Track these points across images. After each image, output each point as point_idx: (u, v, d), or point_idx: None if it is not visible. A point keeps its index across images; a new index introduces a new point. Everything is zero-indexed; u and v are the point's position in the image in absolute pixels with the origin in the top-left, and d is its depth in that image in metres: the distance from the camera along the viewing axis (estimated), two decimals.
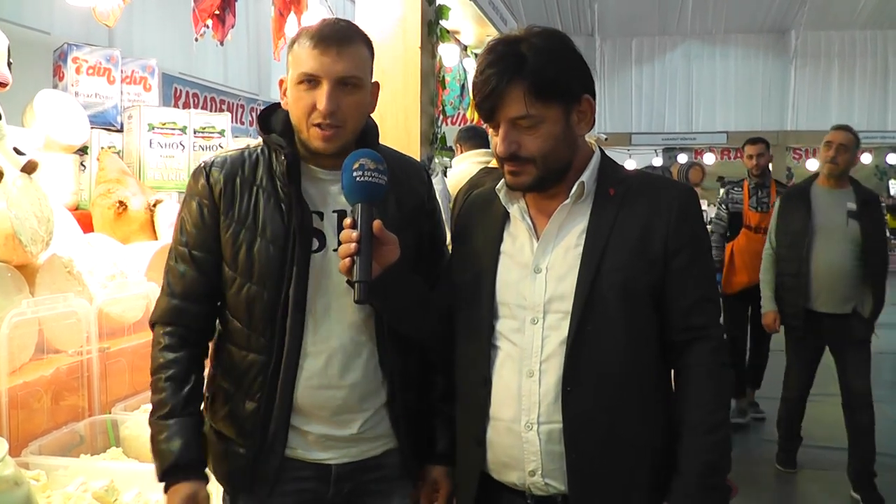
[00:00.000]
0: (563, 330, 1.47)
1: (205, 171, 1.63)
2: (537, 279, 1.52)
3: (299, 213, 1.56)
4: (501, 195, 1.59)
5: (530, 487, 1.51)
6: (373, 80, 1.64)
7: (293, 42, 1.59)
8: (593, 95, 1.53)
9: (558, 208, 1.53)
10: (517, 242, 1.57)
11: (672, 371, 1.55)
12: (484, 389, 1.54)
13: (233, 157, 1.65)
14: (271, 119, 1.67)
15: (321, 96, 1.53)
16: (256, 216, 1.58)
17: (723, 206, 5.49)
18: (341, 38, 1.55)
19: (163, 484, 1.55)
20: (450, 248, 1.79)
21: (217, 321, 1.67)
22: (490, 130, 1.55)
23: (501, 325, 1.55)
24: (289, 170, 1.58)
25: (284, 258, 1.56)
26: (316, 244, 1.59)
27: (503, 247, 1.59)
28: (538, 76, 1.44)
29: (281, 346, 1.56)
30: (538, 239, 1.54)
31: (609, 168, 1.58)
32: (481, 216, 1.66)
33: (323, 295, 1.59)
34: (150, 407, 2.20)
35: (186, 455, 1.55)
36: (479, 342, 1.56)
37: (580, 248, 1.50)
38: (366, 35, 1.63)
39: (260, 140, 1.67)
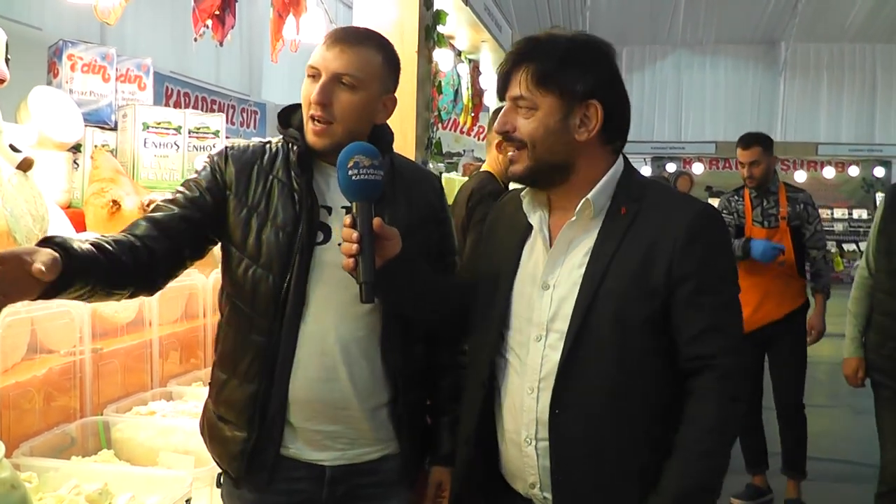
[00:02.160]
0: (559, 351, 1.45)
1: (226, 149, 1.68)
2: (545, 296, 1.49)
3: (308, 204, 1.59)
4: (525, 202, 1.56)
5: (532, 499, 1.51)
6: (390, 94, 1.65)
7: None
8: (606, 107, 1.47)
9: (566, 224, 1.49)
10: (533, 255, 1.55)
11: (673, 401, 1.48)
12: (481, 392, 1.54)
13: (255, 146, 1.70)
14: (291, 116, 1.70)
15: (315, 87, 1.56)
16: (269, 203, 1.61)
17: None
18: (351, 38, 1.58)
19: None
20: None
21: (220, 305, 1.69)
22: None
23: (512, 337, 1.54)
24: (300, 161, 1.62)
25: (292, 245, 1.58)
26: (321, 237, 1.60)
27: (522, 257, 1.57)
28: (541, 63, 1.45)
29: (280, 331, 1.59)
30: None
31: (626, 184, 1.52)
32: (509, 221, 1.63)
33: (323, 287, 1.60)
34: (141, 410, 2.23)
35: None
36: (486, 347, 1.56)
37: (584, 269, 1.46)
38: (387, 45, 1.65)
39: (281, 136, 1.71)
